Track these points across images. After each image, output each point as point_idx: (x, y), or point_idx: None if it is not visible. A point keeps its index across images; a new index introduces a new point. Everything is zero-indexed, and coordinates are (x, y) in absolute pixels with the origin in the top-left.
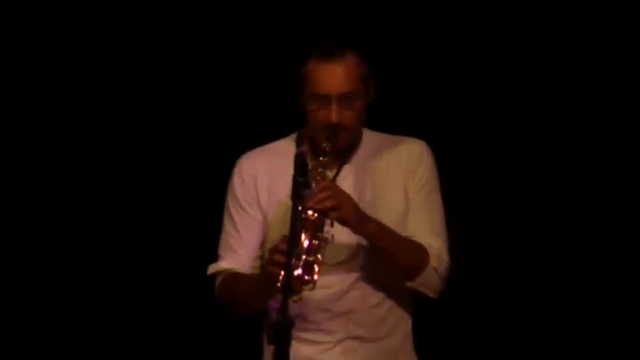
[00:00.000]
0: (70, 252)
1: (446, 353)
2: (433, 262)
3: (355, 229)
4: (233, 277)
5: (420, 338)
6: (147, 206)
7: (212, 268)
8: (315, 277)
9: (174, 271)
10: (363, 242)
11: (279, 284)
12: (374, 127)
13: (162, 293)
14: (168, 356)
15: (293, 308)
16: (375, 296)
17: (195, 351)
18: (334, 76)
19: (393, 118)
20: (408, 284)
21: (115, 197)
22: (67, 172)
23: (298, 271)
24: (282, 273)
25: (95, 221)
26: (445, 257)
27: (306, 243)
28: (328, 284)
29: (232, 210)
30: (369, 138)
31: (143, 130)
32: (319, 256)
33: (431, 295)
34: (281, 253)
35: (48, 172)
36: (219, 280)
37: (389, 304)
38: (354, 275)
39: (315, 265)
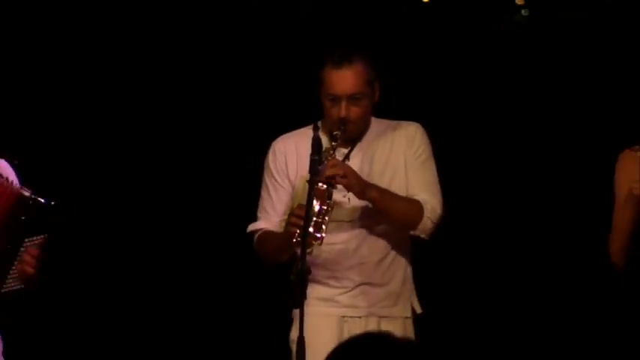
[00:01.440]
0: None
1: (443, 293)
2: (427, 213)
3: (358, 195)
4: (265, 234)
5: (421, 281)
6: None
7: (250, 227)
8: (323, 234)
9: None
10: (370, 206)
11: (294, 240)
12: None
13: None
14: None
15: (318, 260)
16: (380, 251)
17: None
18: (344, 80)
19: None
20: (411, 233)
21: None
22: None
23: (311, 231)
24: (298, 231)
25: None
26: (437, 209)
27: (316, 208)
28: (343, 241)
29: (267, 180)
30: (376, 124)
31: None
32: (327, 218)
33: (423, 236)
34: (297, 217)
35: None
36: (256, 236)
37: (392, 256)
38: (363, 233)
39: (323, 226)
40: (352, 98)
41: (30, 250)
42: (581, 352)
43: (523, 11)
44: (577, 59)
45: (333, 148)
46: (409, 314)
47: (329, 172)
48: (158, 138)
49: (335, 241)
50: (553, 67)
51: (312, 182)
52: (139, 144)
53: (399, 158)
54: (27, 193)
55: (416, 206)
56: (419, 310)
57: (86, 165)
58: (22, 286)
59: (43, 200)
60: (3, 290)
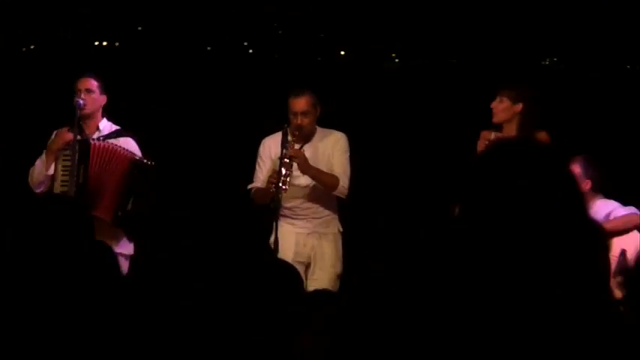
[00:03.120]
0: None
1: (361, 222)
2: (341, 183)
3: (303, 171)
4: (257, 189)
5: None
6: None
7: (249, 186)
8: (287, 187)
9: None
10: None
11: (271, 190)
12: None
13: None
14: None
15: (286, 204)
16: (320, 200)
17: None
18: (298, 104)
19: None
20: (333, 193)
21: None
22: None
23: (280, 185)
24: (274, 185)
25: None
26: (347, 182)
27: (283, 172)
28: (299, 196)
29: (259, 159)
30: (320, 131)
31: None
32: (289, 179)
33: (342, 196)
34: (273, 178)
35: None
36: (252, 191)
37: (326, 202)
38: (310, 191)
39: (286, 183)
40: (303, 113)
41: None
42: None
43: (395, 60)
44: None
45: (294, 141)
46: (336, 231)
47: (291, 152)
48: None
49: (295, 196)
50: (416, 91)
51: (281, 158)
52: None
53: (330, 151)
54: (137, 157)
55: (335, 179)
56: (341, 229)
57: None
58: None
59: (147, 162)
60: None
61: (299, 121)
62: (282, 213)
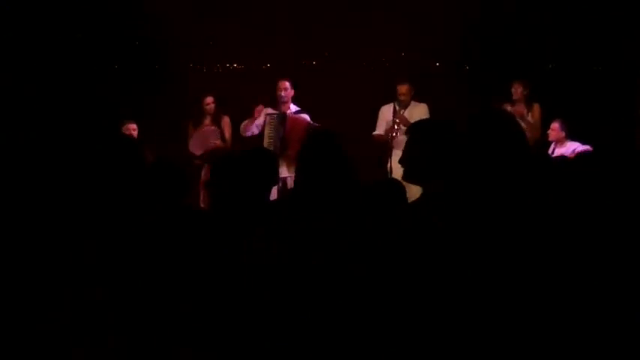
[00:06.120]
0: None
1: None
2: None
3: (403, 124)
4: (377, 134)
5: None
6: None
7: (373, 133)
8: (396, 135)
9: None
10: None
11: (390, 135)
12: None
13: None
14: None
15: (395, 141)
16: None
17: None
18: (400, 88)
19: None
20: None
21: None
22: None
23: (393, 134)
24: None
25: None
26: None
27: (395, 127)
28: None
29: (380, 115)
30: (413, 102)
31: None
32: (397, 129)
33: None
34: (390, 129)
35: None
36: (374, 135)
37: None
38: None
39: (396, 131)
40: (402, 94)
41: None
42: None
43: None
44: None
45: (399, 108)
46: None
47: (398, 116)
48: None
49: (399, 135)
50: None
51: (394, 119)
52: None
53: (418, 114)
54: (310, 122)
55: None
56: None
57: None
58: None
59: (316, 124)
60: None
61: (401, 97)
62: (393, 146)
